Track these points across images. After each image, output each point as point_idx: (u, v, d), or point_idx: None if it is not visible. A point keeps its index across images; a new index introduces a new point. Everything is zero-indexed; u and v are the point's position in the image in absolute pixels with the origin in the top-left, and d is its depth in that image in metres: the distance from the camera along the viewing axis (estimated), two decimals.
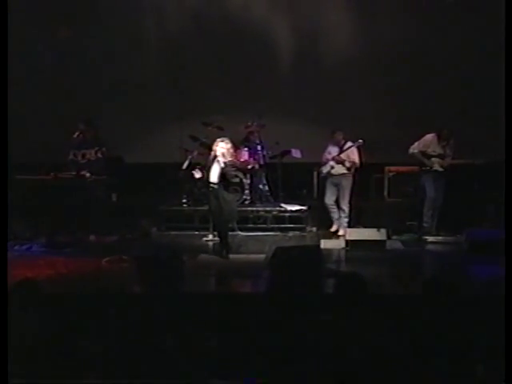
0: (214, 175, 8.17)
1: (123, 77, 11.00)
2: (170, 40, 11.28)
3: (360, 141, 9.58)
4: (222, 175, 8.13)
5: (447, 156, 9.34)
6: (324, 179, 9.84)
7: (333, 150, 9.72)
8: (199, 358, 4.72)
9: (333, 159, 9.64)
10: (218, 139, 8.33)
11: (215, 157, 8.18)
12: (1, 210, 5.39)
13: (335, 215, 9.76)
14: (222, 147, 8.17)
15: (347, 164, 9.60)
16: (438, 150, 9.33)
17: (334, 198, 9.72)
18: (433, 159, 9.31)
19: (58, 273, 7.39)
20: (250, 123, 10.51)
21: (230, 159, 8.17)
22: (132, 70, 11.09)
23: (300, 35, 11.16)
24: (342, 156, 9.63)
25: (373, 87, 10.82)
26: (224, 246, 8.37)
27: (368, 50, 10.95)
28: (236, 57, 11.07)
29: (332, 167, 9.66)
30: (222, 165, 8.12)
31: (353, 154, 9.65)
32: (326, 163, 9.74)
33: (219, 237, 8.56)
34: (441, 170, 9.31)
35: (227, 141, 8.26)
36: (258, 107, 10.44)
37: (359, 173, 9.80)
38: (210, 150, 8.43)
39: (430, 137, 9.39)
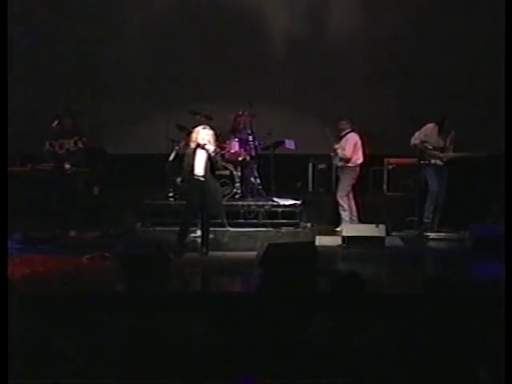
0: (200, 166, 8.07)
1: (106, 62, 10.96)
2: (156, 25, 11.21)
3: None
4: (211, 165, 8.04)
5: (448, 148, 9.40)
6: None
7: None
8: (188, 359, 4.71)
9: (334, 151, 9.70)
10: (199, 127, 8.25)
11: (198, 146, 8.07)
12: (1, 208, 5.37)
13: (344, 213, 9.58)
14: (206, 134, 8.08)
15: (340, 155, 9.59)
16: (439, 142, 9.36)
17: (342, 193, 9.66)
18: (433, 152, 9.35)
19: (35, 271, 7.34)
20: (240, 112, 10.44)
21: (218, 148, 8.13)
22: (116, 55, 11.04)
23: (297, 17, 11.11)
24: (338, 148, 9.59)
25: (372, 75, 10.81)
26: (205, 242, 8.27)
27: (369, 36, 10.93)
28: (225, 42, 11.02)
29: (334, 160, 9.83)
30: (212, 153, 8.04)
31: (346, 146, 9.56)
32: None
33: (202, 232, 8.42)
34: (440, 163, 9.36)
35: (209, 128, 8.21)
36: (249, 95, 10.40)
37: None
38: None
39: (431, 126, 9.44)
